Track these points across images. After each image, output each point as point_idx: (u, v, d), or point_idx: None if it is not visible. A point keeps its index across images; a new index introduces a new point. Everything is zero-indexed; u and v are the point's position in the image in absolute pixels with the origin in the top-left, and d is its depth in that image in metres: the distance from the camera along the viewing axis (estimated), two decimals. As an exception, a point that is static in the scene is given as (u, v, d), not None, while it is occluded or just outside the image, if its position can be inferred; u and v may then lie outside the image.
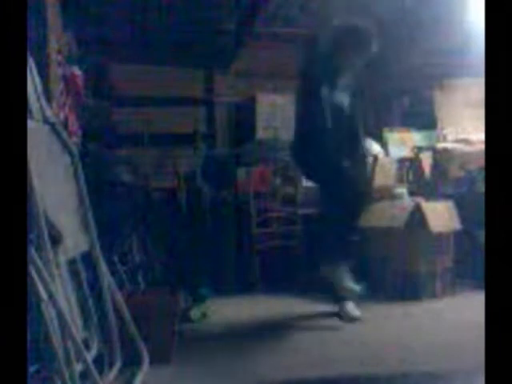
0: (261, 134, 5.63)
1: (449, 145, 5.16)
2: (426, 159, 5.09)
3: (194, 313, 3.72)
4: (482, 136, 4.43)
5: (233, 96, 6.04)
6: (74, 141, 3.32)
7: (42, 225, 2.09)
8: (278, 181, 5.27)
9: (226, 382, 2.67)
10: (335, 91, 3.74)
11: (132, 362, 2.66)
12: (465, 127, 5.31)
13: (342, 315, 3.62)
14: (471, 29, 4.62)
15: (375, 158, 4.76)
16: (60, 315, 2.04)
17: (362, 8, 5.00)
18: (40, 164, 2.23)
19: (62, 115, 3.51)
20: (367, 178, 4.13)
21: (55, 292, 2.04)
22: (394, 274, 4.25)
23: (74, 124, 3.76)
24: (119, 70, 5.62)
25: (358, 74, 3.94)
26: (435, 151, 5.08)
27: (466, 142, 5.07)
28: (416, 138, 5.68)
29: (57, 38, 3.64)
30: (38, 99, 2.54)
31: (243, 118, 5.92)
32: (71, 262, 2.50)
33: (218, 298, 4.21)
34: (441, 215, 4.31)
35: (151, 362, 2.68)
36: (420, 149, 5.27)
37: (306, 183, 5.28)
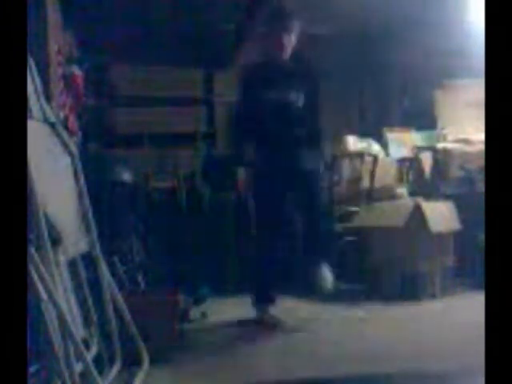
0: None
1: (449, 145, 5.16)
2: (426, 159, 5.09)
3: (194, 313, 3.72)
4: (481, 136, 4.43)
5: (233, 96, 6.03)
6: (74, 141, 3.32)
7: (42, 225, 2.09)
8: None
9: (225, 382, 2.68)
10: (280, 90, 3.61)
11: (132, 362, 2.66)
12: (465, 127, 5.30)
13: None
14: (471, 29, 4.63)
15: (375, 157, 4.77)
16: (60, 315, 2.04)
17: (365, 9, 5.03)
18: (40, 164, 2.23)
19: (61, 115, 3.51)
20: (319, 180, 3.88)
21: (55, 292, 2.04)
22: (393, 274, 4.25)
23: (73, 124, 3.76)
24: (119, 69, 5.62)
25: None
26: (435, 151, 5.08)
27: (466, 142, 5.07)
28: (416, 137, 5.68)
29: (57, 38, 3.64)
30: (38, 99, 2.54)
31: (243, 118, 5.91)
32: (71, 262, 2.50)
33: (218, 297, 4.21)
34: (441, 215, 4.31)
35: (151, 362, 2.68)
36: (420, 149, 5.27)
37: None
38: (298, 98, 3.62)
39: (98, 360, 2.48)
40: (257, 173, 3.67)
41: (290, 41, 3.61)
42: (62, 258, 2.30)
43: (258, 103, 3.63)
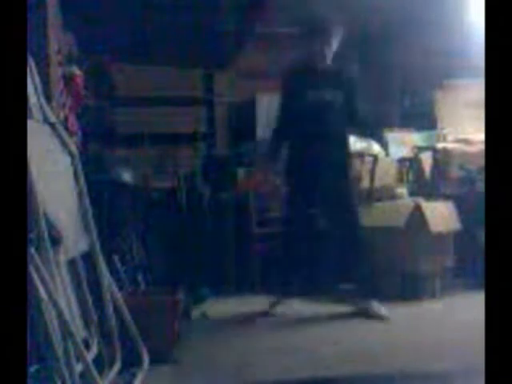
0: (261, 134, 5.62)
1: (449, 145, 5.16)
2: (426, 159, 5.09)
3: (194, 312, 3.72)
4: (481, 136, 4.43)
5: (233, 96, 6.03)
6: (74, 141, 3.32)
7: (42, 225, 2.09)
8: (277, 181, 5.26)
9: (225, 381, 2.68)
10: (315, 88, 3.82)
11: (132, 362, 2.66)
12: (465, 127, 5.30)
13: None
14: (471, 29, 4.63)
15: (375, 157, 4.76)
16: (60, 315, 2.04)
17: (365, 9, 5.02)
18: (40, 164, 2.23)
19: (61, 115, 3.51)
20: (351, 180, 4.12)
21: (55, 292, 2.04)
22: (393, 274, 4.24)
23: (73, 124, 3.76)
24: (119, 69, 5.62)
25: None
26: (435, 151, 5.07)
27: (466, 141, 5.06)
28: (416, 137, 5.67)
29: (57, 38, 3.64)
30: (38, 99, 2.54)
31: (243, 118, 5.92)
32: (71, 262, 2.50)
33: (218, 297, 4.21)
34: (441, 215, 4.30)
35: (151, 362, 2.68)
36: (420, 149, 5.26)
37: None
38: (339, 100, 3.86)
39: (98, 360, 2.48)
40: (292, 172, 4.02)
41: (331, 50, 3.86)
42: (62, 258, 2.30)
43: (300, 106, 3.86)
